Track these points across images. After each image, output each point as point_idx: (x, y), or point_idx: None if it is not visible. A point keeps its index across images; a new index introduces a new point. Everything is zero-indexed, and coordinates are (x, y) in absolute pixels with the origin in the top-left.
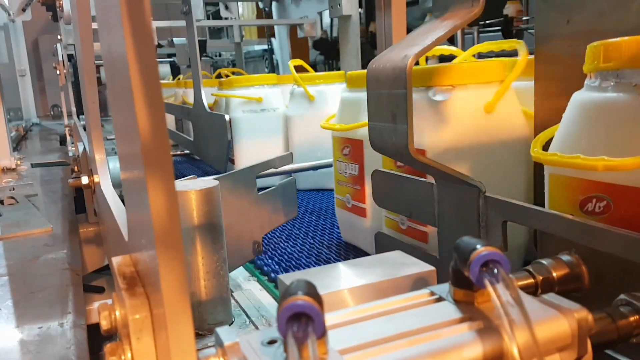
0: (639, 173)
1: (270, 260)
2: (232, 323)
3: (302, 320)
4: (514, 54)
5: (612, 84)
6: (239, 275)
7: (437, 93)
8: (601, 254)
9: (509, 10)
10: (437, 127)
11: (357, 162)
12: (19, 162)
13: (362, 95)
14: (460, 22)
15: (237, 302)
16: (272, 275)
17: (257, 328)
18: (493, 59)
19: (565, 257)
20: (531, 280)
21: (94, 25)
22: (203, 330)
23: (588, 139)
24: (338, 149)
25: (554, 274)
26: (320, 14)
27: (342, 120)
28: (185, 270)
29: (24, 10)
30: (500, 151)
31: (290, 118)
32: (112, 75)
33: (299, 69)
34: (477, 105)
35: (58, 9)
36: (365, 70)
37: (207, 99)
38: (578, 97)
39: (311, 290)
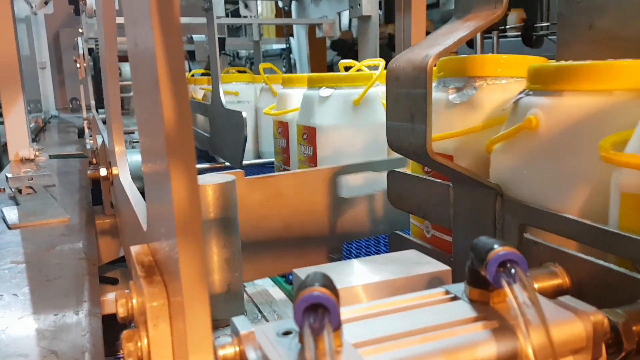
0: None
1: None
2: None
3: (319, 312)
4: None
5: (441, 87)
6: None
7: (323, 91)
8: (584, 267)
9: None
10: (323, 113)
11: (285, 138)
12: (37, 153)
13: (291, 91)
14: (482, 24)
15: (249, 296)
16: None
17: (268, 321)
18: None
19: (549, 269)
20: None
21: (119, 20)
22: (215, 322)
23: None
24: (276, 129)
25: (536, 285)
26: (339, 14)
27: (279, 108)
28: (204, 259)
29: (46, 3)
30: (363, 129)
31: (259, 109)
32: (137, 68)
33: (269, 70)
34: (349, 100)
35: (81, 3)
36: (295, 75)
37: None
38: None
39: (328, 282)
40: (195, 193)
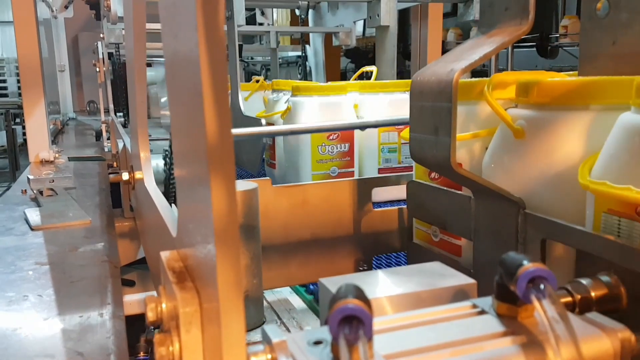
0: None
1: None
2: (264, 322)
3: (354, 323)
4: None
5: None
6: None
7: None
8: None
9: None
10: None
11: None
12: (57, 155)
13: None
14: (508, 39)
15: (269, 303)
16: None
17: (287, 329)
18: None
19: (605, 278)
20: (569, 299)
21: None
22: None
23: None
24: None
25: (593, 294)
26: (355, 23)
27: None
28: (240, 266)
29: (66, 7)
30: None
31: None
32: (174, 74)
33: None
34: (242, 98)
35: (105, 8)
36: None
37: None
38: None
39: (361, 294)
40: (233, 200)
